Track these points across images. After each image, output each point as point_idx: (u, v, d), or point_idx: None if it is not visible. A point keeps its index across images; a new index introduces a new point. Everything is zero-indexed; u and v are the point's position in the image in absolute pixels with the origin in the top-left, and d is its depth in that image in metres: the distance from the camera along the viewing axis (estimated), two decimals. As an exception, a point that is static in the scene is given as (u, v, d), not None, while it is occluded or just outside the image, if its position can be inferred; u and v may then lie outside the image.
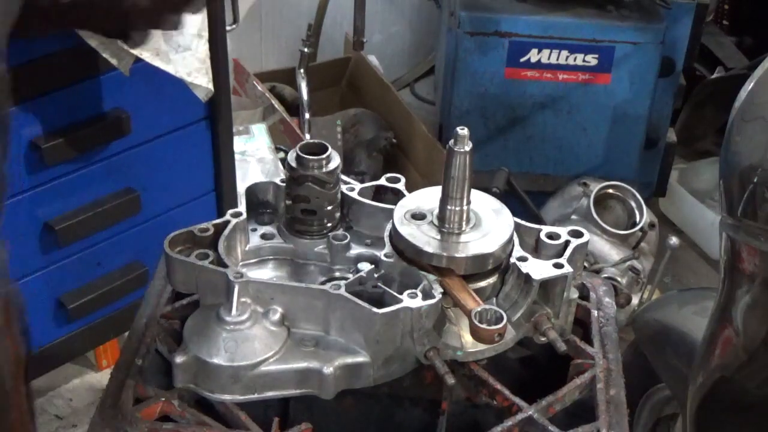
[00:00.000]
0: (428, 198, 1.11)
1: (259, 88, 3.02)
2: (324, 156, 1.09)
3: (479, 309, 0.99)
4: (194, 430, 1.00)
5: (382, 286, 1.03)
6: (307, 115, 3.02)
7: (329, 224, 1.12)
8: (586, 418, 1.05)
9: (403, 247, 1.06)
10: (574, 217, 2.79)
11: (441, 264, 1.04)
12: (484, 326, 0.98)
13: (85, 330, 2.23)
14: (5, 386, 1.09)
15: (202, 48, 1.93)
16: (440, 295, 1.01)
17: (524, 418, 1.03)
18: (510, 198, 2.66)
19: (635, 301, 2.65)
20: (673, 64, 2.97)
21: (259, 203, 1.16)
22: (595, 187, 2.78)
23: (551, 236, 1.10)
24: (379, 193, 1.18)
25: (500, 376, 1.08)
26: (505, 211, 1.10)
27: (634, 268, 2.70)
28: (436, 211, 1.08)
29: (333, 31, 3.50)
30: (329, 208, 1.11)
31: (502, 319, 0.98)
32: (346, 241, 1.11)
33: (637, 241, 2.75)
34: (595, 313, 1.18)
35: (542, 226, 1.12)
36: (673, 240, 2.55)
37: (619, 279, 2.66)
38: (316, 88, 3.20)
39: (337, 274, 1.10)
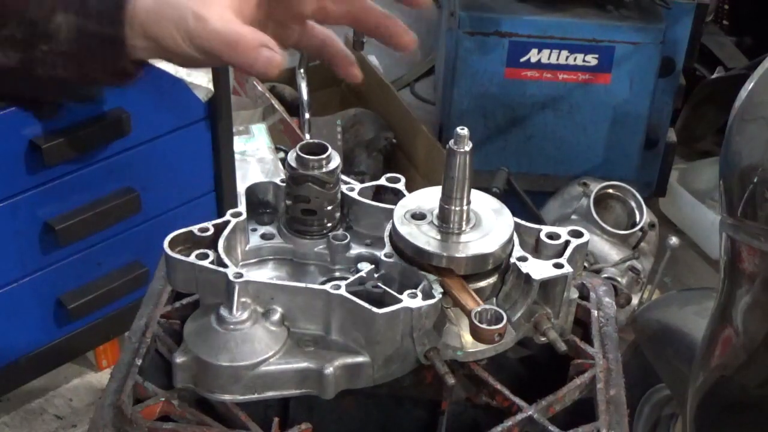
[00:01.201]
0: (428, 198, 1.11)
1: (259, 88, 3.02)
2: (324, 156, 1.09)
3: (479, 309, 0.98)
4: (194, 430, 1.00)
5: (382, 286, 1.03)
6: (307, 115, 3.03)
7: (329, 224, 1.12)
8: (586, 418, 1.05)
9: (403, 247, 1.06)
10: (574, 217, 2.80)
11: (441, 264, 1.04)
12: (484, 326, 0.98)
13: (85, 330, 2.23)
14: None
15: (202, 48, 1.93)
16: (440, 295, 1.01)
17: (524, 418, 1.03)
18: (510, 198, 2.66)
19: (635, 301, 2.66)
20: (673, 64, 2.97)
21: (259, 203, 1.16)
22: (595, 187, 2.78)
23: (551, 236, 1.10)
24: (379, 193, 1.18)
25: (500, 376, 1.08)
26: (505, 211, 1.10)
27: (634, 268, 2.70)
28: (436, 211, 1.08)
29: (333, 31, 3.50)
30: (329, 208, 1.11)
31: (502, 319, 0.98)
32: (346, 241, 1.11)
33: (637, 241, 2.75)
34: (595, 313, 1.18)
35: (542, 226, 1.11)
36: (673, 240, 2.55)
37: (619, 279, 2.66)
38: (316, 88, 3.20)
39: (337, 274, 1.10)
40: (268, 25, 0.93)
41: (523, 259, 1.07)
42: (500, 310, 0.98)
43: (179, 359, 1.00)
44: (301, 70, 3.08)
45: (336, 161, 1.10)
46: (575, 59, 2.86)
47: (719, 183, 1.36)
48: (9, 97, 0.97)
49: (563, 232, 1.10)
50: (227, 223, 1.10)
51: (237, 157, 2.43)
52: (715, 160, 2.95)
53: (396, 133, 3.22)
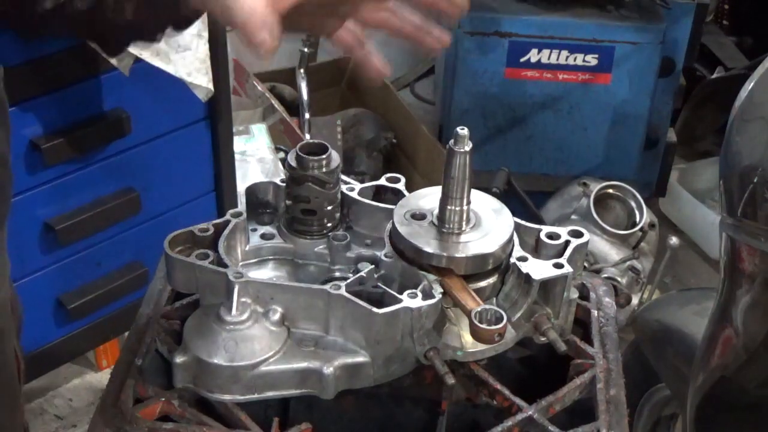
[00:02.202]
0: (428, 198, 1.11)
1: (259, 88, 3.02)
2: (324, 156, 1.09)
3: (479, 309, 0.99)
4: (194, 430, 1.00)
5: (382, 286, 1.03)
6: (307, 115, 3.02)
7: (329, 224, 1.12)
8: (586, 418, 1.05)
9: (403, 247, 1.06)
10: (574, 217, 2.79)
11: (441, 264, 1.04)
12: (484, 326, 0.98)
13: (85, 330, 2.23)
14: (16, 389, 1.12)
15: (202, 48, 1.93)
16: (440, 295, 1.01)
17: (524, 418, 1.03)
18: (510, 198, 2.66)
19: (635, 301, 2.65)
20: (673, 64, 2.97)
21: (259, 203, 1.16)
22: (595, 187, 2.78)
23: (551, 236, 1.10)
24: (379, 193, 1.18)
25: (500, 376, 1.08)
26: (505, 211, 1.10)
27: (634, 268, 2.70)
28: (436, 211, 1.08)
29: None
30: (329, 208, 1.11)
31: (502, 319, 0.98)
32: (346, 241, 1.11)
33: (637, 241, 2.75)
34: (595, 313, 1.18)
35: (542, 226, 1.12)
36: (673, 240, 2.55)
37: (619, 279, 2.66)
38: (316, 88, 3.20)
39: (337, 274, 1.10)
40: (306, 16, 0.98)
41: (523, 259, 1.07)
42: (500, 310, 0.99)
43: (179, 359, 1.00)
44: (301, 70, 3.08)
45: (336, 161, 1.10)
46: (575, 59, 2.86)
47: (719, 183, 1.36)
48: (80, 35, 1.06)
49: (563, 232, 1.10)
50: (227, 223, 1.10)
51: (237, 157, 2.42)
52: (715, 160, 2.96)
53: (396, 133, 3.22)
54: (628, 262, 2.70)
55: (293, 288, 1.03)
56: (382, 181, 1.19)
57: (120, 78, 1.94)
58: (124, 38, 1.03)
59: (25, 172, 1.95)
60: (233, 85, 3.05)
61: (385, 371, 1.02)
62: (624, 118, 2.95)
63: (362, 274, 1.05)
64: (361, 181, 1.18)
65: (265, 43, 0.90)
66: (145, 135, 2.11)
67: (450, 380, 1.01)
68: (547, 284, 1.05)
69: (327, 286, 1.01)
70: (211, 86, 2.00)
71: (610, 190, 2.82)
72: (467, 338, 1.04)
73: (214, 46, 2.00)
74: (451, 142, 1.04)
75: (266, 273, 1.11)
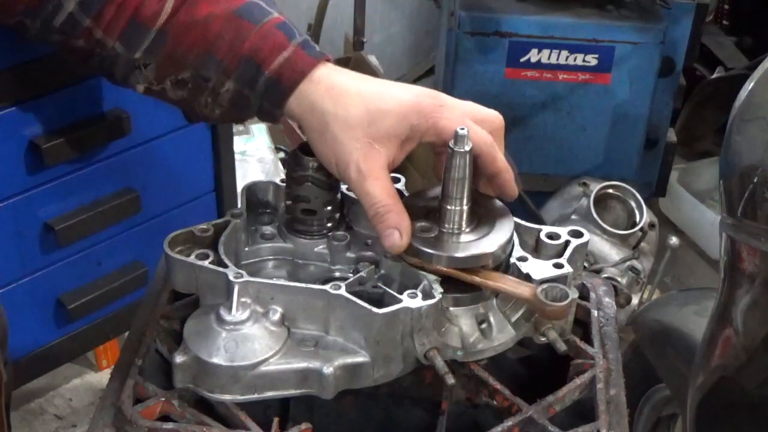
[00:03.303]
0: (428, 198, 1.11)
1: (259, 88, 3.02)
2: (324, 156, 1.09)
3: (545, 287, 0.99)
4: (194, 430, 1.00)
5: (382, 286, 1.03)
6: (307, 115, 3.02)
7: (329, 224, 1.12)
8: (586, 418, 1.05)
9: (403, 247, 1.06)
10: (574, 217, 2.79)
11: (441, 264, 1.04)
12: (557, 304, 0.98)
13: (85, 330, 2.23)
14: None
15: (202, 48, 1.93)
16: (440, 295, 1.01)
17: (524, 418, 1.03)
18: (510, 198, 2.66)
19: (635, 301, 2.65)
20: (673, 64, 2.97)
21: (258, 203, 1.16)
22: (595, 187, 2.78)
23: (551, 236, 1.10)
24: (379, 193, 1.18)
25: (500, 376, 1.08)
26: (505, 211, 1.10)
27: (634, 268, 2.70)
28: (436, 211, 1.08)
29: (333, 31, 3.50)
30: (329, 208, 1.11)
31: (568, 294, 0.99)
32: (346, 241, 1.11)
33: (637, 241, 2.75)
34: (595, 313, 1.18)
35: (542, 226, 1.12)
36: (673, 240, 2.56)
37: (619, 279, 2.66)
38: (316, 88, 3.20)
39: (338, 274, 1.10)
40: None
41: (523, 259, 1.07)
42: (564, 286, 1.00)
43: (179, 359, 1.00)
44: (301, 70, 3.08)
45: (336, 161, 1.10)
46: (575, 59, 2.86)
47: (719, 183, 1.36)
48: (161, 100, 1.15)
49: (563, 232, 1.10)
50: (227, 223, 1.10)
51: (237, 157, 2.42)
52: (715, 160, 2.96)
53: (396, 133, 3.21)
54: (628, 262, 2.70)
55: (293, 288, 1.03)
56: (382, 181, 1.18)
57: (120, 78, 1.93)
58: (203, 120, 1.14)
59: (25, 172, 1.95)
60: (233, 85, 3.05)
61: (385, 371, 1.02)
62: (624, 118, 2.96)
63: (362, 274, 1.05)
64: (361, 182, 1.18)
65: (397, 244, 0.99)
66: (145, 135, 2.11)
67: (450, 380, 1.01)
68: (547, 284, 1.05)
69: (327, 286, 1.01)
70: (211, 86, 1.99)
71: (610, 190, 2.81)
72: (467, 338, 1.04)
73: (214, 46, 2.00)
74: (451, 142, 1.04)
75: (266, 273, 1.11)
